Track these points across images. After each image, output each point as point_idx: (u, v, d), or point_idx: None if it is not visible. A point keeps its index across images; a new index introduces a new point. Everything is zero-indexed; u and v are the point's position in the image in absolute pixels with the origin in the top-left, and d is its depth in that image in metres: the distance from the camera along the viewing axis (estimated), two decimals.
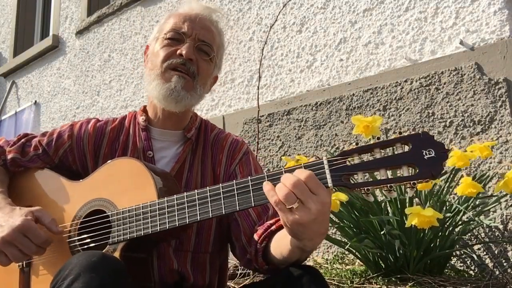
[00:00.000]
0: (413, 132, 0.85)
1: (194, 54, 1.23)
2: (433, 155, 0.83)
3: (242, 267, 2.17)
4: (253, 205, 0.94)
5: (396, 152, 0.86)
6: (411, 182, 0.84)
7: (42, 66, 5.27)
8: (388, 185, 0.85)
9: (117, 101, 4.27)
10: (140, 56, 4.02)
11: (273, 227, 1.10)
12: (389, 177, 0.86)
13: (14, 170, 1.31)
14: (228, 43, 3.44)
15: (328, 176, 0.87)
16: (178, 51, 1.22)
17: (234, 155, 1.29)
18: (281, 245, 1.03)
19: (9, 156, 1.28)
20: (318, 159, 0.91)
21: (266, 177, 0.92)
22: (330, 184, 0.87)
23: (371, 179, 0.87)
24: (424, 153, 0.83)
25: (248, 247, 1.16)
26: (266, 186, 0.90)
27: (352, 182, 0.87)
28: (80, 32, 4.83)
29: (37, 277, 1.17)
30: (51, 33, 5.27)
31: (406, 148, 0.85)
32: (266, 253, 1.09)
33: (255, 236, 1.12)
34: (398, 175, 0.86)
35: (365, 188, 0.86)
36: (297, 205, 0.84)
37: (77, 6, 5.00)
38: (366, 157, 0.87)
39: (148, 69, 1.28)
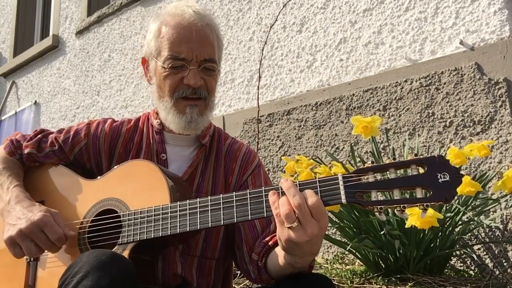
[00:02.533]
0: (429, 155, 0.86)
1: (201, 77, 1.21)
2: (447, 179, 0.84)
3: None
4: (265, 216, 0.95)
5: (410, 174, 0.87)
6: (424, 205, 0.85)
7: (42, 66, 5.27)
8: (401, 205, 0.86)
9: (117, 101, 4.27)
10: (140, 56, 4.02)
11: (270, 243, 1.12)
12: (403, 197, 0.87)
13: (29, 165, 1.32)
14: (228, 43, 3.44)
15: (342, 192, 0.89)
16: (185, 81, 1.19)
17: (247, 166, 1.30)
18: (275, 259, 1.05)
19: (26, 151, 1.30)
20: (333, 174, 0.92)
21: (280, 188, 0.93)
22: (344, 200, 0.88)
23: (384, 198, 0.88)
24: (438, 177, 0.84)
25: (249, 263, 1.17)
26: (272, 197, 0.91)
27: (365, 200, 0.88)
28: (80, 32, 4.83)
29: (43, 271, 1.18)
30: (51, 33, 5.27)
31: (421, 170, 0.86)
32: (267, 268, 1.11)
33: (254, 256, 1.14)
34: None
35: (378, 207, 0.87)
36: (296, 225, 0.86)
37: (77, 6, 5.00)
38: (381, 176, 0.89)
39: (157, 95, 1.26)
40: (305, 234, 0.86)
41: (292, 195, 0.88)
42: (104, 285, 0.87)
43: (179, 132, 1.26)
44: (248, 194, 0.97)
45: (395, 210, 0.87)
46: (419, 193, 0.85)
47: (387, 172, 0.88)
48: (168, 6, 1.28)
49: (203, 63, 1.21)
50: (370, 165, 0.89)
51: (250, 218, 0.96)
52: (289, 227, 0.87)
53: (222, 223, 0.99)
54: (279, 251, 1.00)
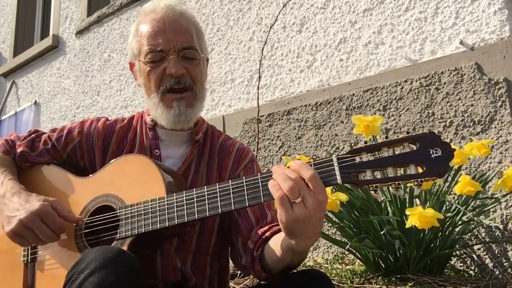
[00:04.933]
0: (421, 132, 0.88)
1: (182, 66, 1.21)
2: (439, 154, 0.85)
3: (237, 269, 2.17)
4: (262, 201, 0.96)
5: (404, 151, 0.88)
6: (418, 180, 0.86)
7: (42, 66, 5.27)
8: (396, 182, 0.87)
9: (117, 101, 4.27)
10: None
11: (268, 234, 1.12)
12: (397, 174, 0.88)
13: (21, 165, 1.32)
14: (228, 43, 3.44)
15: (337, 173, 0.89)
16: (167, 71, 1.20)
17: (240, 160, 1.30)
18: (274, 248, 1.04)
19: (19, 150, 1.30)
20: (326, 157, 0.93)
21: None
22: (339, 181, 0.89)
23: (379, 177, 0.89)
24: (431, 152, 0.86)
25: (243, 252, 1.17)
26: (271, 181, 0.91)
27: (360, 179, 0.89)
28: (80, 32, 4.83)
29: (42, 272, 1.17)
30: (51, 33, 5.27)
31: (414, 147, 0.88)
32: (262, 260, 1.10)
33: (250, 244, 1.13)
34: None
35: (374, 185, 0.88)
36: (299, 200, 0.86)
37: (77, 6, 5.00)
38: (375, 155, 0.89)
39: (145, 94, 1.27)
40: (305, 208, 0.85)
41: (290, 172, 0.89)
42: (110, 282, 0.87)
43: (170, 128, 1.26)
44: (244, 182, 0.97)
45: (390, 188, 0.88)
46: (413, 169, 0.87)
47: (381, 151, 0.89)
48: (143, 7, 1.31)
49: (181, 51, 1.21)
50: (363, 145, 0.90)
51: (247, 205, 0.96)
52: (291, 204, 0.86)
53: (220, 211, 0.99)
54: (279, 238, 1.00)
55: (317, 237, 0.93)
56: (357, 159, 0.89)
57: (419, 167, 0.87)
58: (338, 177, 0.89)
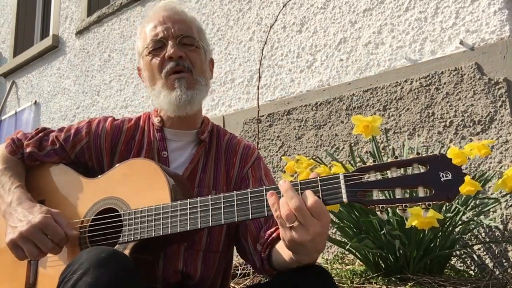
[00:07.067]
0: (431, 154, 0.85)
1: (180, 50, 1.25)
2: (449, 177, 0.83)
3: (245, 267, 2.17)
4: (266, 215, 0.95)
5: (413, 172, 0.86)
6: (426, 204, 0.84)
7: (42, 66, 5.27)
8: (403, 204, 0.85)
9: (117, 101, 4.27)
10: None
11: (274, 235, 1.13)
12: (404, 196, 0.86)
13: (31, 164, 1.32)
14: (228, 43, 3.44)
15: (343, 191, 0.88)
16: (166, 55, 1.24)
17: (247, 158, 1.32)
18: (280, 255, 1.05)
19: (27, 150, 1.30)
20: (333, 174, 0.92)
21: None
22: (345, 199, 0.88)
23: (386, 197, 0.88)
24: (441, 175, 0.84)
25: (254, 253, 1.18)
26: (271, 198, 0.91)
27: (367, 199, 0.88)
28: (80, 32, 4.83)
29: (44, 270, 1.18)
30: (51, 33, 5.27)
31: (423, 169, 0.85)
32: (270, 261, 1.11)
33: (259, 246, 1.15)
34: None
35: (380, 206, 0.86)
36: (297, 224, 0.86)
37: (77, 6, 4.99)
38: (383, 174, 0.88)
39: (150, 87, 1.30)
40: (307, 233, 0.86)
41: (290, 198, 0.88)
42: (104, 282, 0.87)
43: (174, 114, 1.27)
44: (249, 193, 0.97)
45: (397, 209, 0.86)
46: (421, 192, 0.84)
47: (389, 171, 0.87)
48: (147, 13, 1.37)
49: (179, 37, 1.26)
50: (371, 164, 0.88)
51: (250, 218, 0.96)
52: (290, 227, 0.87)
53: (223, 222, 0.99)
54: (284, 247, 1.00)
55: (322, 251, 0.93)
56: (365, 177, 0.87)
57: (427, 190, 0.84)
58: (344, 196, 0.88)
